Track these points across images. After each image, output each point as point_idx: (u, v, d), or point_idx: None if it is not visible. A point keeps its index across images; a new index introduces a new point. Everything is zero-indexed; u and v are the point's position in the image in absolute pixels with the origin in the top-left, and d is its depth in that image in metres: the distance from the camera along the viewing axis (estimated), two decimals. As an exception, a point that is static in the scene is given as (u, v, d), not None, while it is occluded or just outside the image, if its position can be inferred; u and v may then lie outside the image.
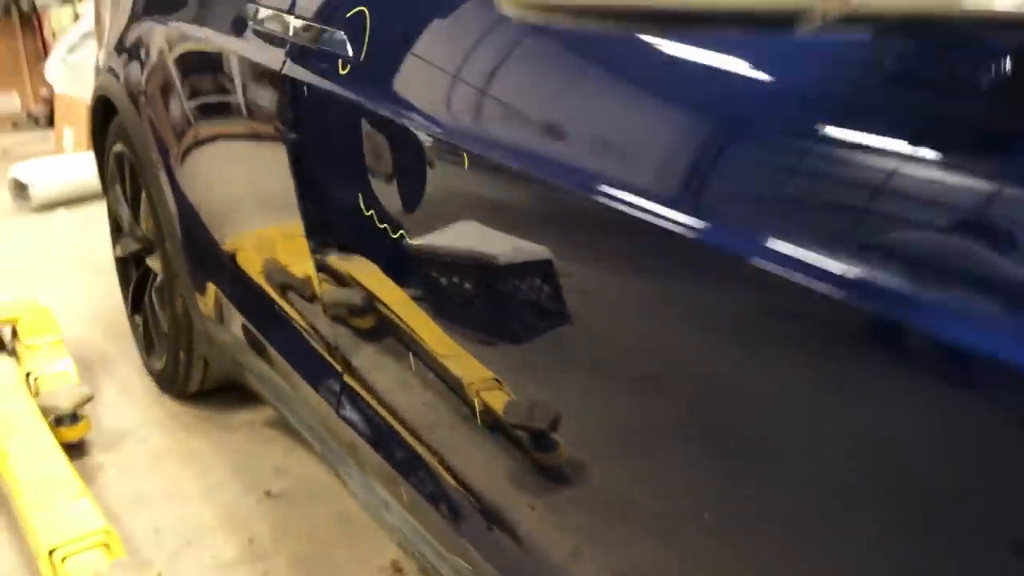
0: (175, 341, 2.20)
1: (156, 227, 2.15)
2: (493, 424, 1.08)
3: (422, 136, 1.05)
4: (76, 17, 4.79)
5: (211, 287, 1.97)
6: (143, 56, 2.02)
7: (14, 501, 1.81)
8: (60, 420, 2.09)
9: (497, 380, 1.05)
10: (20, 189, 4.04)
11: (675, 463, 0.82)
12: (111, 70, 2.19)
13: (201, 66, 1.78)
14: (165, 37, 1.90)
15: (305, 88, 1.32)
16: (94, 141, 2.45)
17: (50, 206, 4.04)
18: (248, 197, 1.71)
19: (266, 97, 1.48)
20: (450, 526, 1.24)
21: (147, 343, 2.45)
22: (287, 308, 1.68)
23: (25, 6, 5.32)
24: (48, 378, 2.23)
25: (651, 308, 0.79)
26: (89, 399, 2.14)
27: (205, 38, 1.74)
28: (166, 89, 1.91)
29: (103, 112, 2.32)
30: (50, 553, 1.62)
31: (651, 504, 0.87)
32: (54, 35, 4.89)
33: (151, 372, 2.44)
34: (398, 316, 1.25)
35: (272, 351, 1.77)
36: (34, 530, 1.69)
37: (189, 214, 1.97)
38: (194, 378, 2.25)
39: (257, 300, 1.80)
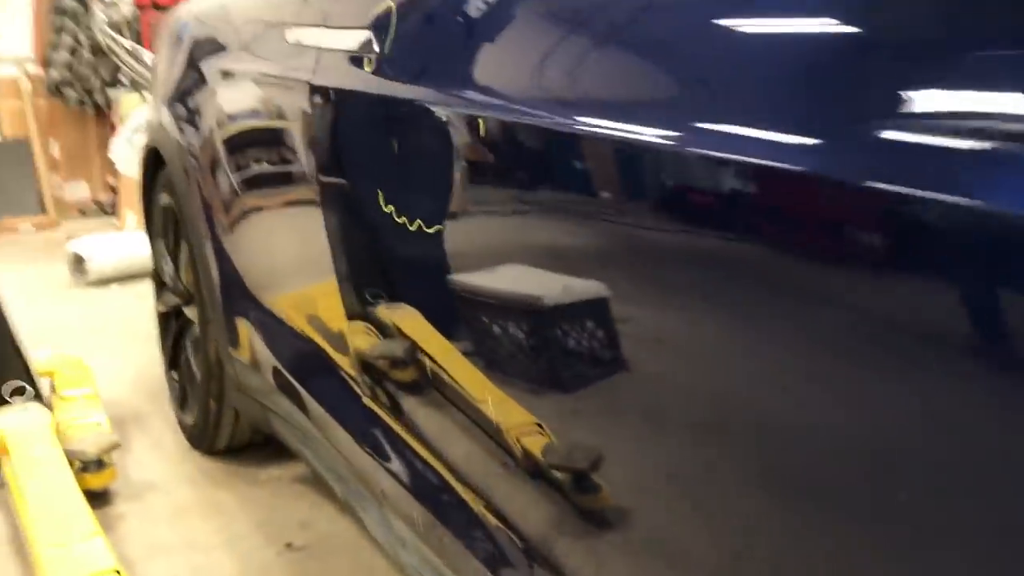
0: (206, 389, 2.16)
1: (194, 275, 2.14)
2: (534, 469, 1.01)
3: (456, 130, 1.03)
4: (144, 102, 4.97)
5: (244, 330, 1.94)
6: (191, 109, 2.06)
7: (28, 540, 1.76)
8: (86, 467, 2.05)
9: (539, 425, 0.99)
10: (78, 263, 4.12)
11: (722, 506, 0.74)
12: (161, 122, 2.23)
13: (245, 121, 1.80)
14: (211, 92, 1.94)
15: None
16: (143, 194, 2.48)
17: (105, 281, 4.10)
18: (286, 245, 1.70)
19: (299, 140, 1.49)
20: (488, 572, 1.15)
21: (181, 398, 2.42)
22: (322, 351, 1.64)
23: (99, 99, 5.56)
24: (79, 427, 2.21)
25: (702, 348, 0.74)
26: (115, 447, 2.11)
27: (247, 91, 1.77)
28: (210, 142, 1.94)
29: (153, 164, 2.36)
30: (57, 590, 1.55)
31: (696, 548, 0.79)
32: (121, 121, 5.07)
33: (183, 427, 2.40)
34: (438, 361, 1.20)
35: (302, 392, 1.72)
36: (44, 569, 1.63)
37: (226, 261, 1.97)
38: (223, 431, 2.21)
39: (290, 343, 1.77)
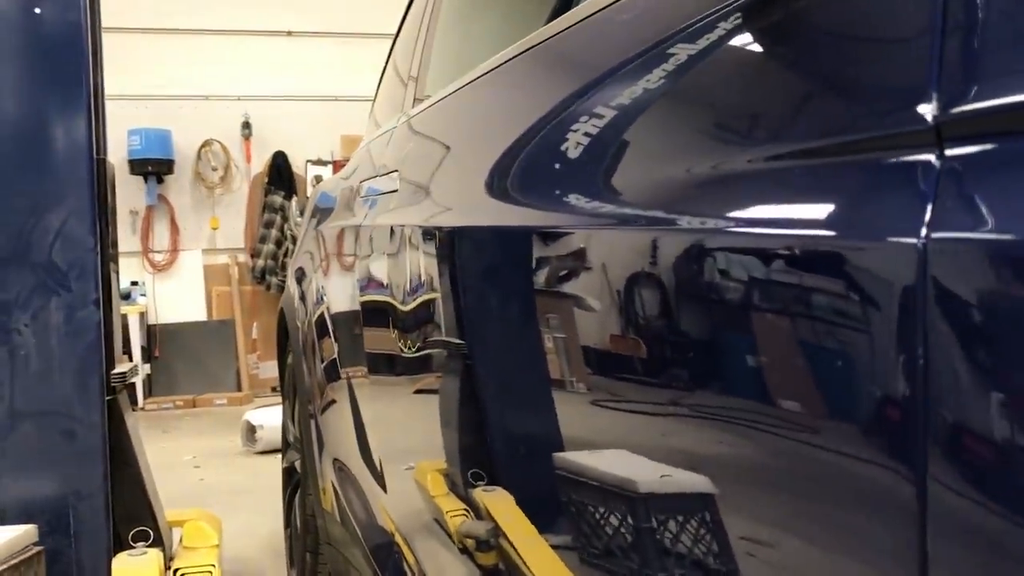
0: (303, 542, 2.21)
1: (301, 434, 2.24)
2: None
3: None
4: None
5: (329, 487, 1.99)
6: (304, 276, 2.22)
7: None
8: (185, 611, 2.12)
9: None
10: (250, 432, 4.39)
11: None
12: (289, 288, 2.41)
13: (330, 278, 1.92)
14: (315, 258, 2.10)
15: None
16: (279, 355, 2.65)
17: (274, 450, 4.33)
18: (365, 410, 1.72)
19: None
20: None
21: (290, 554, 2.48)
22: (386, 518, 1.64)
23: (297, 285, 6.12)
24: (190, 574, 2.29)
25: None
26: (214, 593, 2.16)
27: (337, 250, 1.89)
28: (312, 307, 2.08)
29: (283, 329, 2.53)
30: None
31: None
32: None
33: (290, 584, 2.44)
34: (516, 546, 1.12)
35: (368, 551, 1.72)
36: None
37: (320, 421, 2.06)
38: (320, 588, 2.22)
39: (361, 503, 1.80)
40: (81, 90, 2.30)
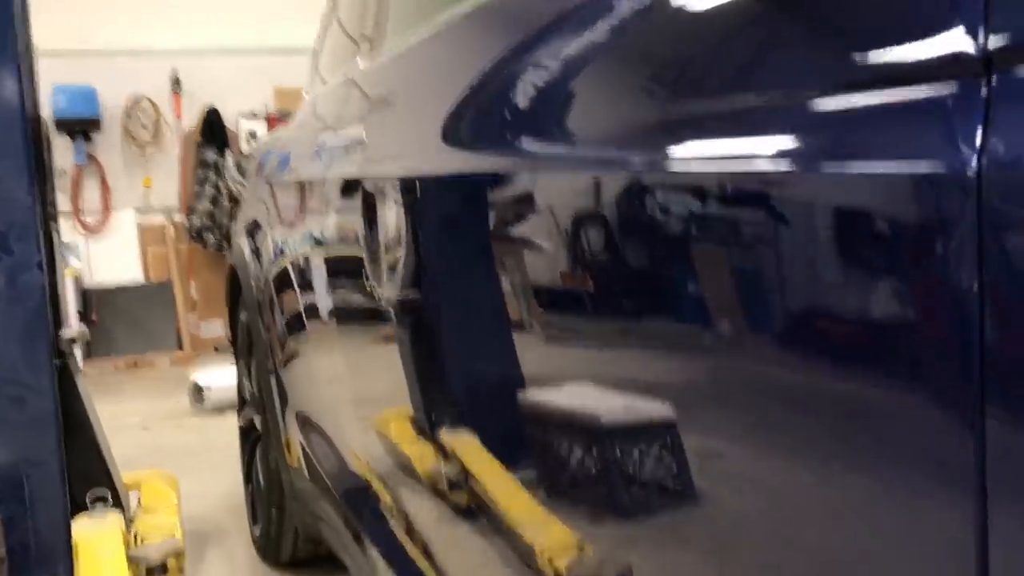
0: (268, 499, 2.21)
1: (259, 390, 2.23)
2: None
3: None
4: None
5: (295, 443, 1.99)
6: (255, 231, 2.19)
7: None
8: (151, 572, 2.11)
9: (580, 545, 0.90)
10: (197, 392, 4.35)
11: None
12: (239, 244, 2.38)
13: (288, 232, 1.90)
14: (267, 214, 2.07)
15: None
16: (230, 313, 2.62)
17: (222, 409, 4.29)
18: (332, 362, 1.73)
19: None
20: None
21: (252, 510, 2.48)
22: (358, 465, 1.65)
23: (236, 243, 6.01)
24: (153, 536, 2.28)
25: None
26: (179, 554, 2.16)
27: (293, 204, 1.87)
28: (266, 262, 2.05)
29: (234, 285, 2.50)
30: None
31: None
32: (251, 263, 5.43)
33: (253, 540, 2.45)
34: (480, 481, 1.13)
35: (336, 498, 1.74)
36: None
37: (281, 376, 2.05)
38: (286, 542, 2.24)
39: (328, 449, 1.80)
40: (8, 45, 2.21)
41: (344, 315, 1.57)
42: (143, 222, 6.05)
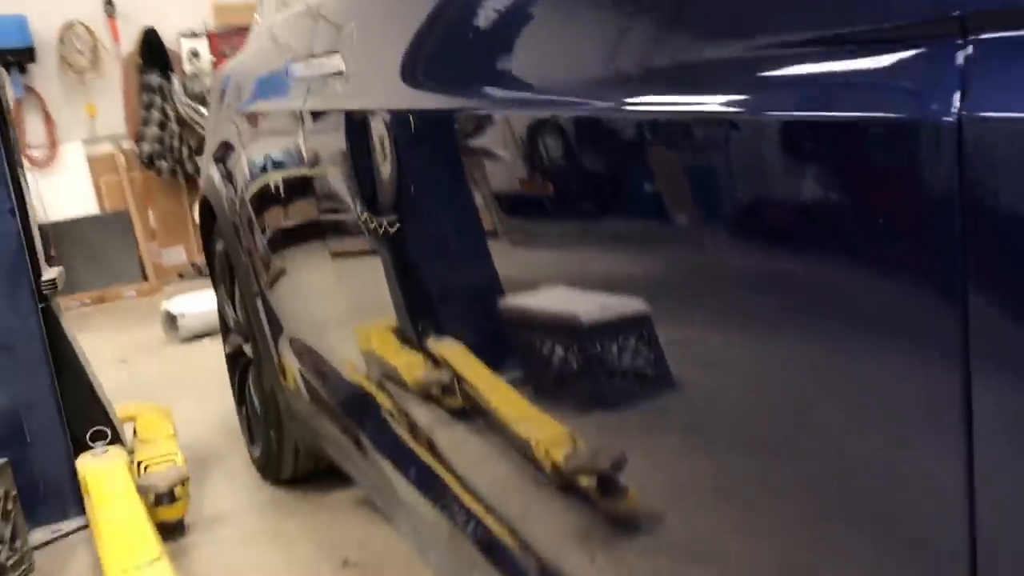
0: (266, 421, 2.28)
1: (247, 315, 2.27)
2: (562, 480, 1.01)
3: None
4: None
5: (289, 362, 2.04)
6: (228, 159, 2.19)
7: (102, 566, 1.89)
8: (159, 500, 2.18)
9: (572, 437, 0.98)
10: (171, 321, 4.36)
11: (745, 513, 0.72)
12: (210, 174, 2.38)
13: (268, 178, 1.92)
14: (239, 141, 2.07)
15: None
16: (204, 243, 2.63)
17: (197, 336, 4.32)
18: (314, 284, 1.78)
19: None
20: None
21: (249, 433, 2.55)
22: (356, 380, 1.71)
23: (190, 167, 5.90)
24: (155, 465, 2.34)
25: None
26: (185, 480, 2.23)
27: (264, 133, 1.88)
28: (242, 189, 2.06)
29: (208, 215, 2.51)
30: (123, 609, 1.67)
31: (719, 547, 0.78)
32: (209, 187, 5.37)
33: (253, 461, 2.53)
34: (467, 375, 1.22)
35: (338, 414, 1.80)
36: (114, 591, 1.75)
37: (269, 300, 2.08)
38: (286, 460, 2.31)
39: (327, 371, 1.86)
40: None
41: (328, 232, 1.60)
42: (92, 152, 5.93)
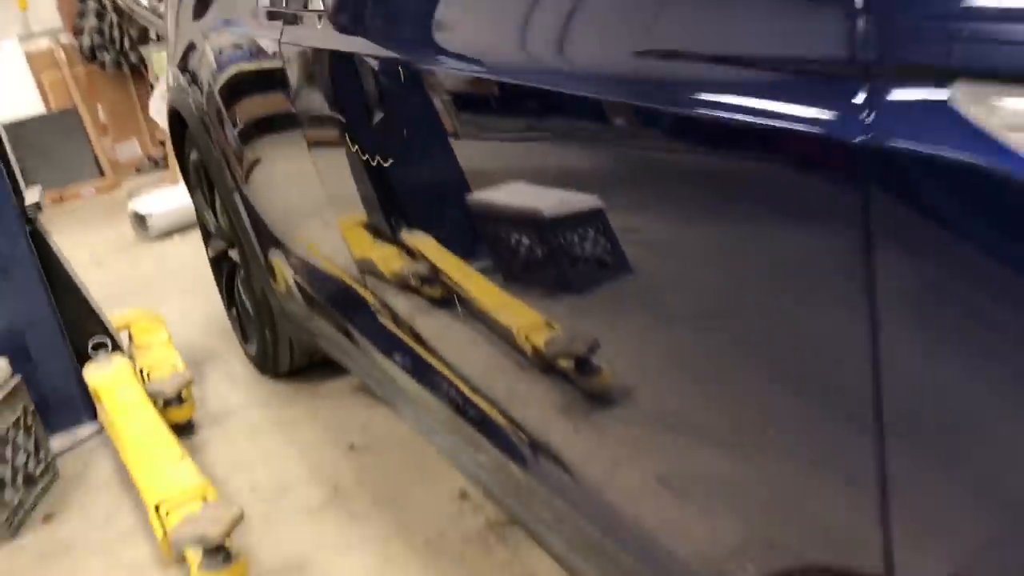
0: (259, 321, 2.40)
1: (229, 221, 2.36)
2: (542, 362, 1.14)
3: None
4: (174, 59, 5.17)
5: (278, 264, 2.15)
6: (194, 68, 2.23)
7: (129, 471, 2.05)
8: (168, 403, 2.32)
9: (548, 323, 1.11)
10: (140, 220, 4.40)
11: (706, 388, 0.86)
12: (178, 83, 2.41)
13: (238, 70, 1.97)
14: (207, 48, 2.11)
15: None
16: (176, 152, 2.68)
17: (167, 234, 4.38)
18: (306, 185, 1.86)
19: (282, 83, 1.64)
20: (503, 455, 1.33)
21: (243, 332, 2.67)
22: (345, 279, 1.82)
23: (134, 58, 5.77)
24: (158, 371, 2.48)
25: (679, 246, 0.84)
26: (189, 383, 2.37)
27: (233, 40, 1.92)
28: (212, 97, 2.11)
29: (179, 124, 2.55)
30: (158, 505, 1.83)
31: (684, 417, 0.91)
32: (156, 78, 5.28)
33: (249, 358, 2.66)
34: (447, 270, 1.34)
35: (331, 312, 1.93)
36: (146, 491, 1.91)
37: (251, 205, 2.17)
38: (282, 356, 2.45)
39: (316, 272, 1.98)
40: None
41: (303, 124, 1.66)
42: (29, 49, 5.76)
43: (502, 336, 1.23)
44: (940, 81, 0.52)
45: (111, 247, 4.38)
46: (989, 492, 0.58)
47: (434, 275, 1.37)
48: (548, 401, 1.18)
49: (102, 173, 5.84)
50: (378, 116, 1.31)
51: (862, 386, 0.63)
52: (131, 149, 6.10)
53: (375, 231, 1.52)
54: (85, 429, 2.45)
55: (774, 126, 0.64)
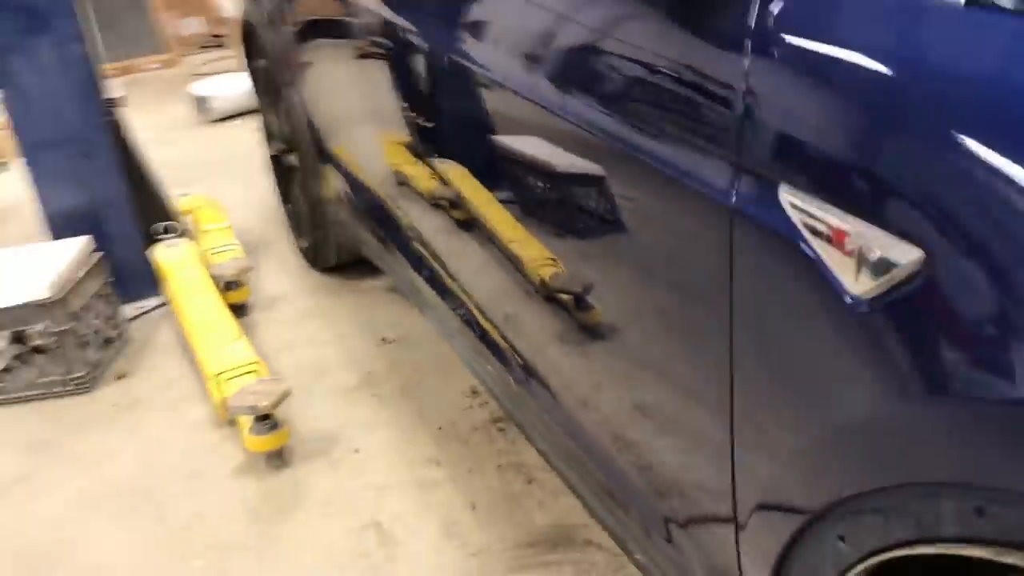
0: (311, 221, 2.68)
1: (291, 131, 2.61)
2: (548, 294, 1.35)
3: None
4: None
5: (331, 174, 2.42)
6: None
7: (193, 345, 2.37)
8: (228, 286, 2.64)
9: (553, 259, 1.31)
10: (201, 103, 4.66)
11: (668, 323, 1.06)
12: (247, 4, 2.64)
13: None
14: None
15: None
16: (247, 58, 2.92)
17: (227, 117, 4.64)
18: (356, 106, 2.09)
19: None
20: (502, 369, 1.60)
21: (296, 226, 2.96)
22: (382, 196, 2.08)
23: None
24: (219, 255, 2.78)
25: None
26: (249, 269, 2.68)
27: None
28: (286, 12, 2.34)
29: (249, 33, 2.79)
30: (216, 375, 2.15)
31: (656, 348, 1.11)
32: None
33: (301, 251, 2.96)
34: (474, 205, 1.56)
35: (371, 223, 2.21)
36: (206, 362, 2.23)
37: (313, 120, 2.42)
38: (330, 254, 2.74)
39: (360, 186, 2.24)
40: None
41: (358, 38, 1.90)
42: (101, -80, 5.93)
43: (512, 264, 1.45)
44: (774, 181, 0.78)
45: (169, 126, 4.64)
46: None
47: (459, 201, 1.62)
48: (542, 329, 1.43)
49: (164, 48, 6.07)
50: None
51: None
52: (194, 25, 6.30)
53: (414, 154, 1.76)
54: (151, 301, 2.78)
55: (686, 182, 0.90)
